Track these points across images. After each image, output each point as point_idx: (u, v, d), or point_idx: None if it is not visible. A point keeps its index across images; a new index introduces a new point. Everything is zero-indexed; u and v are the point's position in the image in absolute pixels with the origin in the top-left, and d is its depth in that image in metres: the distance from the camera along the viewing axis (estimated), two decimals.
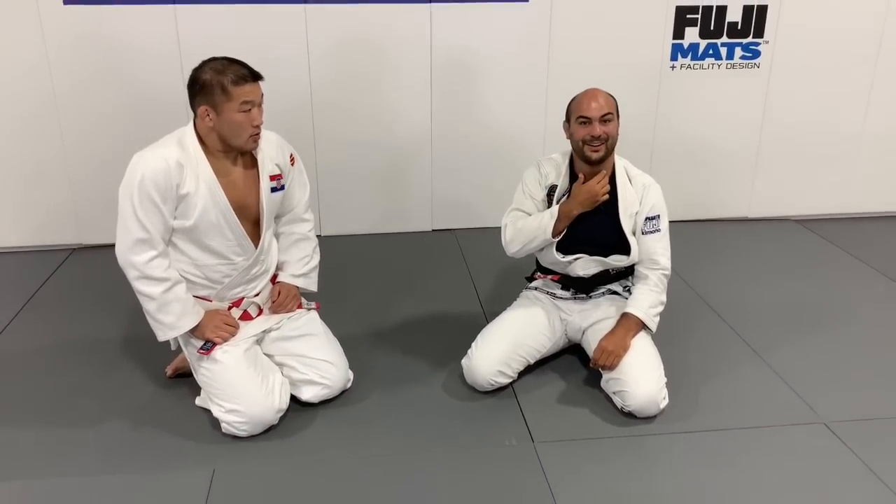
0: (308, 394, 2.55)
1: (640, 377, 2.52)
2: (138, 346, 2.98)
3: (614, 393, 2.58)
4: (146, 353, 2.91)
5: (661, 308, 2.69)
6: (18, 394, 2.69)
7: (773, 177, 4.35)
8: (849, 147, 4.32)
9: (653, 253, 2.67)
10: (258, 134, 2.39)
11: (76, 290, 3.53)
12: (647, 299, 2.65)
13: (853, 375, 2.82)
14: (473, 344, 2.71)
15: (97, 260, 3.83)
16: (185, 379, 2.71)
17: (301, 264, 2.70)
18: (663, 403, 2.53)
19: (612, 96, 2.61)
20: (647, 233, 2.66)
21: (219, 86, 2.27)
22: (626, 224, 2.65)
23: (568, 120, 2.64)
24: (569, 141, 2.66)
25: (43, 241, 3.95)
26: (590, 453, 2.38)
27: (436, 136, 4.06)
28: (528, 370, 2.76)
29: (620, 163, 2.70)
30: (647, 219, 2.66)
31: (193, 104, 2.34)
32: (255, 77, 2.33)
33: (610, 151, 2.61)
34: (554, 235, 2.64)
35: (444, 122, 4.04)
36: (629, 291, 2.77)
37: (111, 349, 2.98)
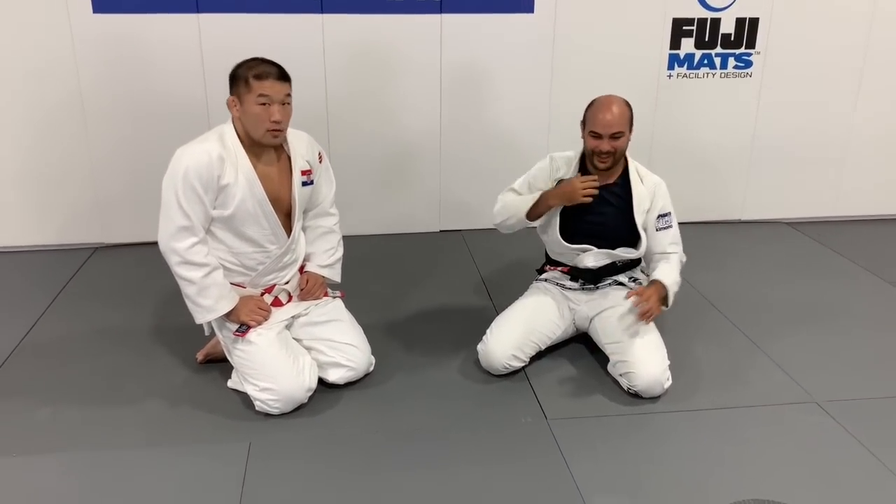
0: (334, 376, 2.71)
1: (646, 360, 2.69)
2: (168, 335, 3.14)
3: (621, 375, 2.75)
4: (176, 341, 3.08)
5: (677, 288, 2.83)
6: (59, 377, 2.84)
7: (765, 181, 4.55)
8: (837, 152, 4.53)
9: (666, 247, 2.86)
10: (277, 130, 2.52)
11: (103, 285, 3.68)
12: (672, 274, 2.81)
13: (844, 361, 3.01)
14: (488, 330, 2.88)
15: (121, 257, 3.99)
16: (216, 364, 2.87)
17: (327, 255, 2.87)
18: (667, 384, 2.71)
19: (627, 105, 2.76)
20: (660, 229, 2.85)
21: (244, 78, 2.47)
22: (640, 219, 2.83)
23: (584, 123, 2.81)
24: (583, 140, 2.83)
25: (67, 239, 4.09)
26: (600, 429, 2.55)
27: (444, 141, 4.24)
28: (539, 356, 2.93)
29: (633, 163, 2.88)
30: (660, 216, 2.85)
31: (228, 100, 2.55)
32: (280, 76, 2.50)
33: (617, 161, 2.80)
34: (528, 217, 2.85)
35: (453, 128, 4.22)
36: (635, 283, 2.95)
37: (142, 338, 3.14)
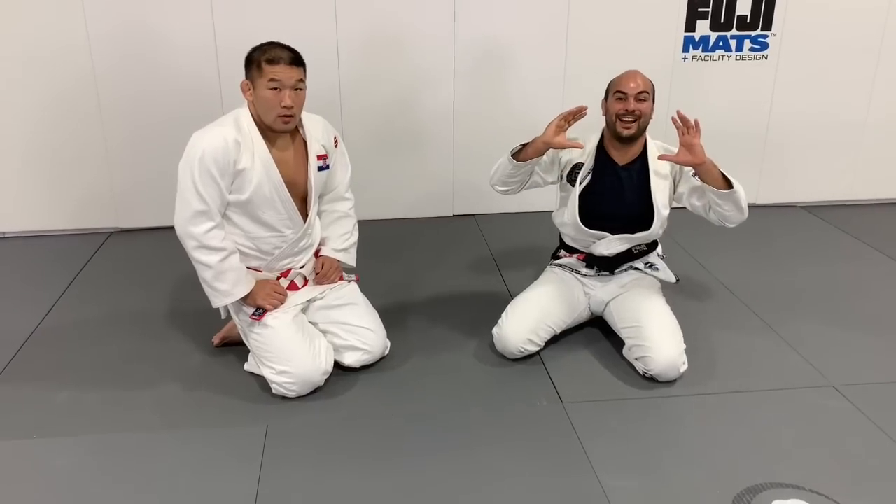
0: (350, 359, 2.72)
1: (662, 344, 2.69)
2: (184, 318, 3.16)
3: (637, 359, 2.74)
4: (192, 324, 3.09)
5: (739, 187, 2.69)
6: (76, 361, 2.86)
7: (780, 165, 4.52)
8: (853, 136, 4.49)
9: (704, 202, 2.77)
10: (288, 116, 2.50)
11: (119, 269, 3.70)
12: (725, 175, 2.68)
13: (860, 345, 3.00)
14: (504, 314, 2.88)
15: (136, 242, 4.00)
16: (232, 347, 2.89)
17: (342, 240, 2.88)
18: (683, 368, 2.70)
19: (650, 80, 2.77)
20: (695, 175, 2.73)
21: (256, 62, 2.46)
22: (660, 197, 2.78)
23: (606, 97, 2.81)
24: (604, 119, 2.82)
25: (81, 224, 4.11)
26: (615, 413, 2.55)
27: (457, 125, 4.23)
28: (554, 340, 2.92)
29: (653, 142, 2.86)
30: (695, 174, 2.73)
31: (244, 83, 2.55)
32: (293, 61, 2.47)
33: (641, 131, 2.77)
34: (516, 157, 2.77)
35: (466, 112, 4.21)
36: (651, 268, 2.94)
37: (158, 322, 3.16)
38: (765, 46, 4.25)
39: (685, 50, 4.22)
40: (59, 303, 3.32)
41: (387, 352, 2.83)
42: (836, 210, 4.55)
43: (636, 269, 2.95)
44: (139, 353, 2.91)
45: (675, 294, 3.34)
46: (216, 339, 2.93)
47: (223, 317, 2.75)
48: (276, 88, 2.45)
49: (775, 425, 2.49)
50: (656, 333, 2.72)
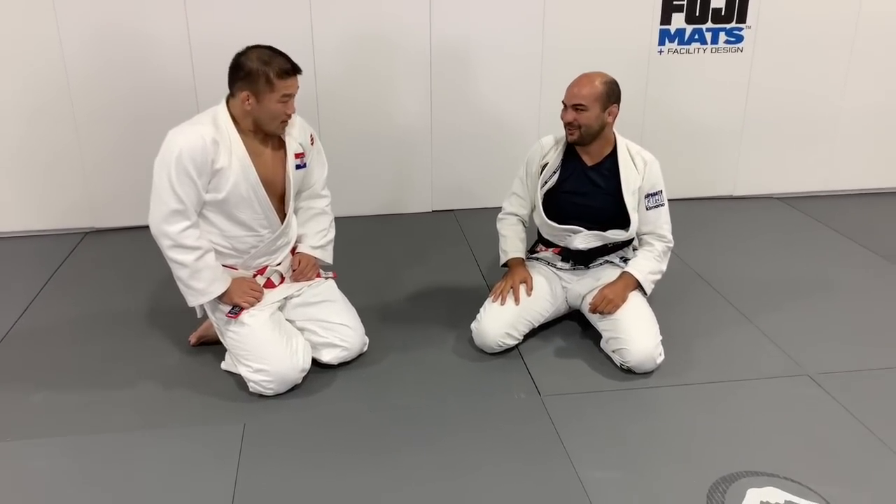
0: (328, 356, 2.71)
1: (638, 335, 2.70)
2: (160, 318, 3.14)
3: (613, 351, 2.76)
4: (168, 323, 3.07)
5: (659, 276, 2.90)
6: (52, 362, 2.84)
7: (756, 156, 4.55)
8: (828, 127, 4.53)
9: (657, 227, 2.88)
10: (288, 121, 2.56)
11: (94, 269, 3.67)
12: (648, 265, 2.86)
13: (835, 334, 3.03)
14: (482, 309, 2.88)
15: (111, 242, 3.97)
16: (209, 346, 2.87)
17: (319, 237, 2.87)
18: (659, 359, 2.72)
19: (606, 84, 2.71)
20: (650, 207, 2.84)
21: (263, 76, 2.42)
22: (630, 200, 2.81)
23: None
24: None
25: (57, 224, 4.07)
26: (593, 404, 2.56)
27: (435, 121, 4.22)
28: (532, 333, 2.94)
29: (623, 142, 2.86)
30: (650, 195, 2.84)
31: (234, 87, 2.49)
32: (297, 71, 2.49)
33: (587, 138, 2.76)
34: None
35: (444, 107, 4.20)
36: (626, 262, 2.95)
37: (134, 321, 3.13)
38: (740, 39, 4.27)
39: (661, 43, 4.24)
40: (34, 303, 3.29)
41: (365, 348, 2.83)
42: (812, 201, 4.59)
43: (611, 262, 2.96)
44: (116, 353, 2.89)
45: None
46: (193, 339, 2.92)
47: (199, 315, 2.74)
48: (286, 101, 2.47)
49: (751, 414, 2.51)
50: (632, 326, 2.73)
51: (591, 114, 2.71)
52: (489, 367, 2.79)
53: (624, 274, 2.85)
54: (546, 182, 2.86)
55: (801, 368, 2.77)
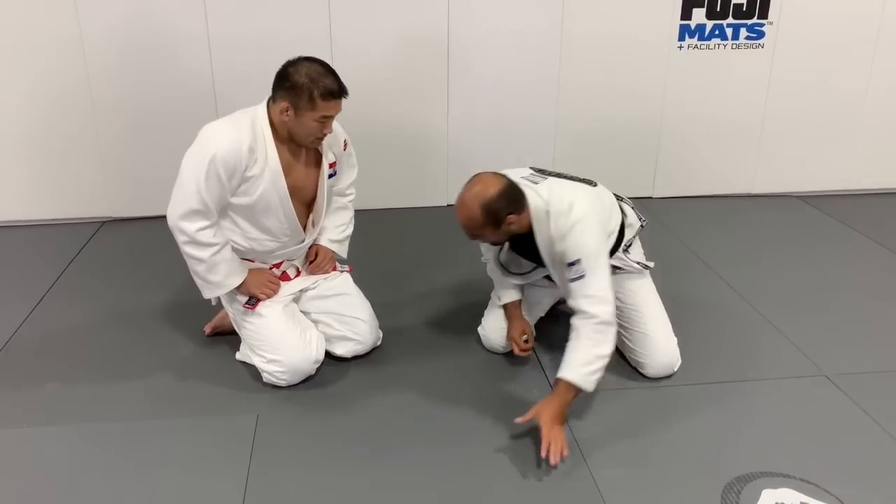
0: (342, 349, 2.71)
1: (657, 350, 2.64)
2: (175, 307, 3.15)
3: (630, 358, 2.72)
4: (183, 313, 3.08)
5: (601, 363, 2.30)
6: (67, 351, 2.85)
7: (776, 154, 4.49)
8: (849, 125, 4.47)
9: (581, 303, 2.34)
10: (322, 140, 2.51)
11: (110, 259, 3.68)
12: (579, 357, 2.30)
13: (853, 335, 2.99)
14: (485, 313, 2.86)
15: (128, 231, 3.98)
16: (224, 337, 2.88)
17: (338, 231, 2.85)
18: (677, 366, 2.68)
19: (483, 209, 2.33)
20: (571, 280, 2.37)
21: (307, 93, 2.35)
22: (554, 273, 2.52)
23: None
24: None
25: (74, 213, 4.09)
26: (608, 402, 2.55)
27: (451, 114, 4.20)
28: (546, 329, 2.90)
29: (539, 210, 2.42)
30: (568, 265, 2.37)
31: (276, 95, 2.43)
32: (343, 94, 2.41)
33: (503, 243, 2.59)
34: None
35: (460, 100, 4.18)
36: (618, 271, 2.67)
37: (149, 311, 3.14)
38: (761, 35, 4.22)
39: (681, 38, 4.19)
40: (50, 292, 3.31)
41: (379, 342, 2.82)
42: (832, 200, 4.53)
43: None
44: (131, 342, 2.90)
45: (669, 283, 3.33)
46: (208, 329, 2.92)
47: (214, 303, 2.73)
48: (324, 122, 2.42)
49: (767, 415, 2.49)
50: (649, 339, 2.65)
51: (489, 237, 2.46)
52: (502, 364, 2.78)
53: (557, 383, 2.33)
54: (501, 250, 2.74)
55: (818, 369, 2.74)
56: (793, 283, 3.45)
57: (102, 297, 3.27)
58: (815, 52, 4.27)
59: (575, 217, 2.36)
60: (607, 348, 2.31)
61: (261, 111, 2.48)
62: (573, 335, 2.34)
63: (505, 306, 2.81)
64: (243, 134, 2.40)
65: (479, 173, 2.44)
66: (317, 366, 2.63)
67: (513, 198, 2.38)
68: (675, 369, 2.68)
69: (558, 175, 2.60)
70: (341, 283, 2.81)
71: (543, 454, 2.19)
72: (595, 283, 2.33)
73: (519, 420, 2.30)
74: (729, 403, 2.55)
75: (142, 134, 3.94)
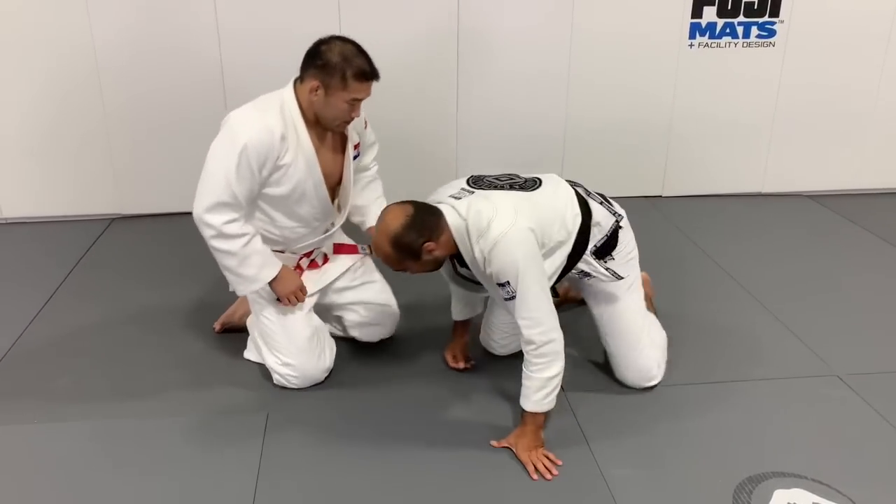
0: (369, 335, 2.79)
1: (624, 368, 2.59)
2: (185, 305, 3.15)
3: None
4: (193, 311, 3.09)
5: (553, 383, 2.26)
6: (77, 347, 2.86)
7: (786, 153, 4.47)
8: (860, 124, 4.45)
9: (520, 324, 2.23)
10: (349, 124, 2.44)
11: (120, 256, 3.69)
12: (531, 385, 2.26)
13: (865, 335, 2.97)
14: (482, 323, 2.82)
15: (137, 229, 3.98)
16: (234, 335, 2.88)
17: (379, 204, 2.72)
18: (653, 381, 2.59)
19: (394, 245, 2.20)
20: (505, 300, 2.25)
21: (340, 73, 2.27)
22: (494, 295, 2.39)
23: None
24: None
25: (84, 210, 4.10)
26: (618, 402, 2.54)
27: (461, 112, 4.20)
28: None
29: (461, 240, 2.26)
30: (498, 286, 2.22)
31: (305, 73, 2.34)
32: (375, 76, 2.34)
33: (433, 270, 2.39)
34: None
35: (469, 98, 4.17)
36: (586, 276, 2.53)
37: (159, 308, 3.14)
38: (772, 33, 4.20)
39: (692, 37, 4.18)
40: (60, 289, 3.32)
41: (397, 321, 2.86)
42: (843, 199, 4.50)
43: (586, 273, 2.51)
44: (140, 340, 2.91)
45: (679, 282, 3.34)
46: (217, 325, 2.93)
47: (230, 289, 2.58)
48: (353, 105, 2.35)
49: (779, 414, 2.48)
50: (615, 357, 2.61)
51: (416, 269, 2.30)
52: (514, 363, 2.73)
53: (522, 413, 2.30)
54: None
55: (829, 368, 2.73)
56: (803, 282, 3.43)
57: (112, 293, 3.28)
58: (827, 51, 4.25)
59: (494, 236, 2.18)
60: (555, 369, 2.24)
61: (288, 94, 2.38)
62: (524, 361, 2.28)
63: (455, 322, 2.76)
64: (273, 121, 2.31)
65: (387, 206, 2.32)
66: (326, 374, 2.63)
67: (423, 226, 2.21)
68: (651, 384, 2.60)
69: (494, 182, 2.41)
70: (365, 272, 2.79)
71: (535, 478, 2.19)
72: (527, 303, 2.19)
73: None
74: (740, 402, 2.54)
75: (152, 132, 3.95)
